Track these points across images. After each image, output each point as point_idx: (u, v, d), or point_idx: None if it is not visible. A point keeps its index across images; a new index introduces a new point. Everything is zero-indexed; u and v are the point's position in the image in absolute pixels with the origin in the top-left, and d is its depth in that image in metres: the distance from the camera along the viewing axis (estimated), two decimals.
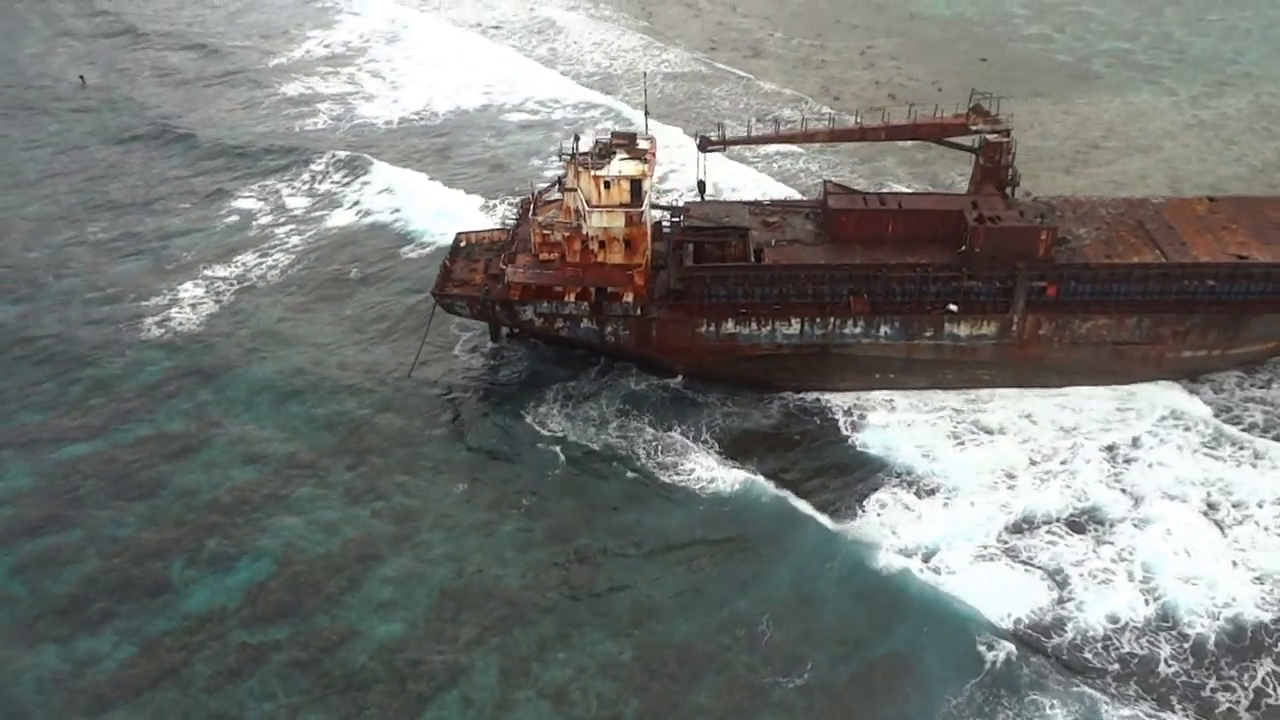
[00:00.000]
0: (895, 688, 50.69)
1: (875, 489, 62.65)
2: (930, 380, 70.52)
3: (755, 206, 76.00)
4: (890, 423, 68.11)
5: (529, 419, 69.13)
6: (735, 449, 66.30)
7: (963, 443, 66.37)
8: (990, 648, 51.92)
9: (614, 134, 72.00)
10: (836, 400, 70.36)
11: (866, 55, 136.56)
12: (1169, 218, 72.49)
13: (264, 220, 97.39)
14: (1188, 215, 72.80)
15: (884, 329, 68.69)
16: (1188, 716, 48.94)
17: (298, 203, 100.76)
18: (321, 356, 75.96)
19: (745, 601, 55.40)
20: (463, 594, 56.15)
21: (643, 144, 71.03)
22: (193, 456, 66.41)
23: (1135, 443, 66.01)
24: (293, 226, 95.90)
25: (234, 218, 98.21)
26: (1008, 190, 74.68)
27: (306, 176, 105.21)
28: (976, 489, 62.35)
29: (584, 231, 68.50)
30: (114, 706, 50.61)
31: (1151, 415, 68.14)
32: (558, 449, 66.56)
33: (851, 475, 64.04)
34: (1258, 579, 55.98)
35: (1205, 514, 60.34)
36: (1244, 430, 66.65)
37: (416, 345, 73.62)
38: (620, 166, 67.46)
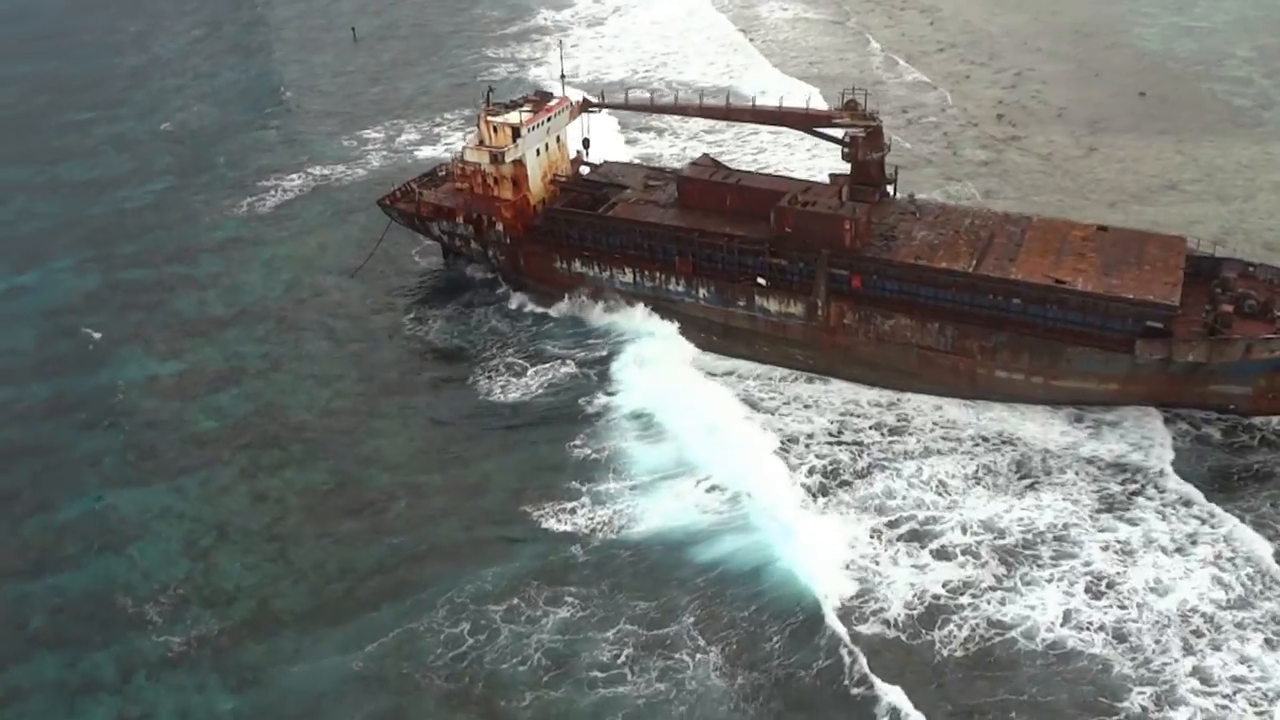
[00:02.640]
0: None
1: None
2: (749, 350, 74.98)
3: (654, 172, 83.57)
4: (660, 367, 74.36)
5: (410, 315, 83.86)
6: (537, 357, 77.29)
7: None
8: None
9: (536, 91, 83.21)
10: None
11: (1022, 76, 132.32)
12: (1029, 236, 70.48)
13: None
14: (1051, 236, 70.33)
15: (702, 291, 74.42)
16: None
17: None
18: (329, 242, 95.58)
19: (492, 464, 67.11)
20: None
21: (553, 102, 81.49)
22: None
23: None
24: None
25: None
26: (890, 187, 76.11)
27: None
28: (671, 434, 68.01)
29: (480, 168, 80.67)
30: None
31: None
32: (420, 339, 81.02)
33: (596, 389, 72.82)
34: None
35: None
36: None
37: (370, 249, 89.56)
38: (509, 116, 78.83)
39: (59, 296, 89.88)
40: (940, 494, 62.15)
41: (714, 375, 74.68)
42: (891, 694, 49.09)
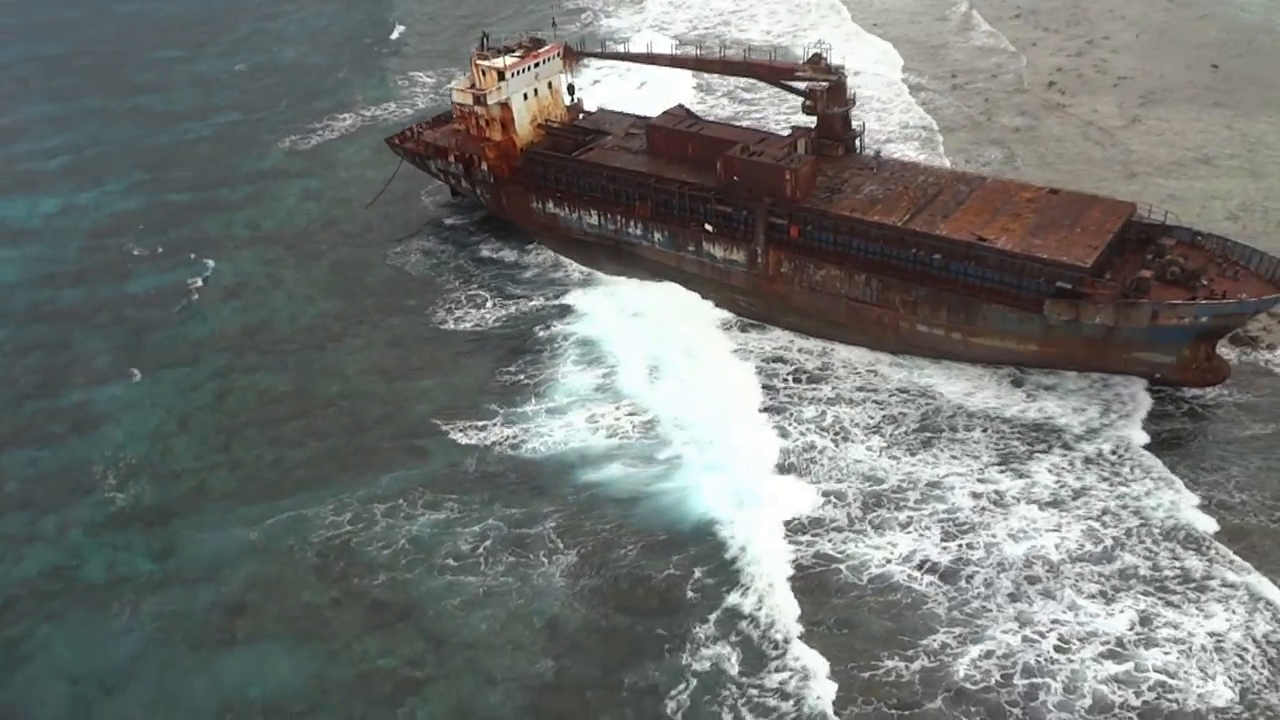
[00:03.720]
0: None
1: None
2: (700, 293, 78.74)
3: (639, 121, 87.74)
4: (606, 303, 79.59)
5: (399, 247, 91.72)
6: (501, 291, 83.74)
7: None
8: None
9: (530, 38, 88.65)
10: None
11: (1093, 43, 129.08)
12: (975, 195, 71.71)
13: None
14: (996, 197, 71.31)
15: (658, 235, 78.75)
16: None
17: None
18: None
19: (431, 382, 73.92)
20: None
21: (543, 49, 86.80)
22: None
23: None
24: None
25: None
26: (857, 141, 78.33)
27: None
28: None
29: (473, 110, 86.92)
30: None
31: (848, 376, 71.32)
32: (399, 269, 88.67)
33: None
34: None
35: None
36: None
37: (383, 183, 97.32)
38: (497, 60, 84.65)
39: (108, 215, 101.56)
40: (834, 440, 65.05)
41: (665, 316, 79.10)
42: (722, 606, 53.44)
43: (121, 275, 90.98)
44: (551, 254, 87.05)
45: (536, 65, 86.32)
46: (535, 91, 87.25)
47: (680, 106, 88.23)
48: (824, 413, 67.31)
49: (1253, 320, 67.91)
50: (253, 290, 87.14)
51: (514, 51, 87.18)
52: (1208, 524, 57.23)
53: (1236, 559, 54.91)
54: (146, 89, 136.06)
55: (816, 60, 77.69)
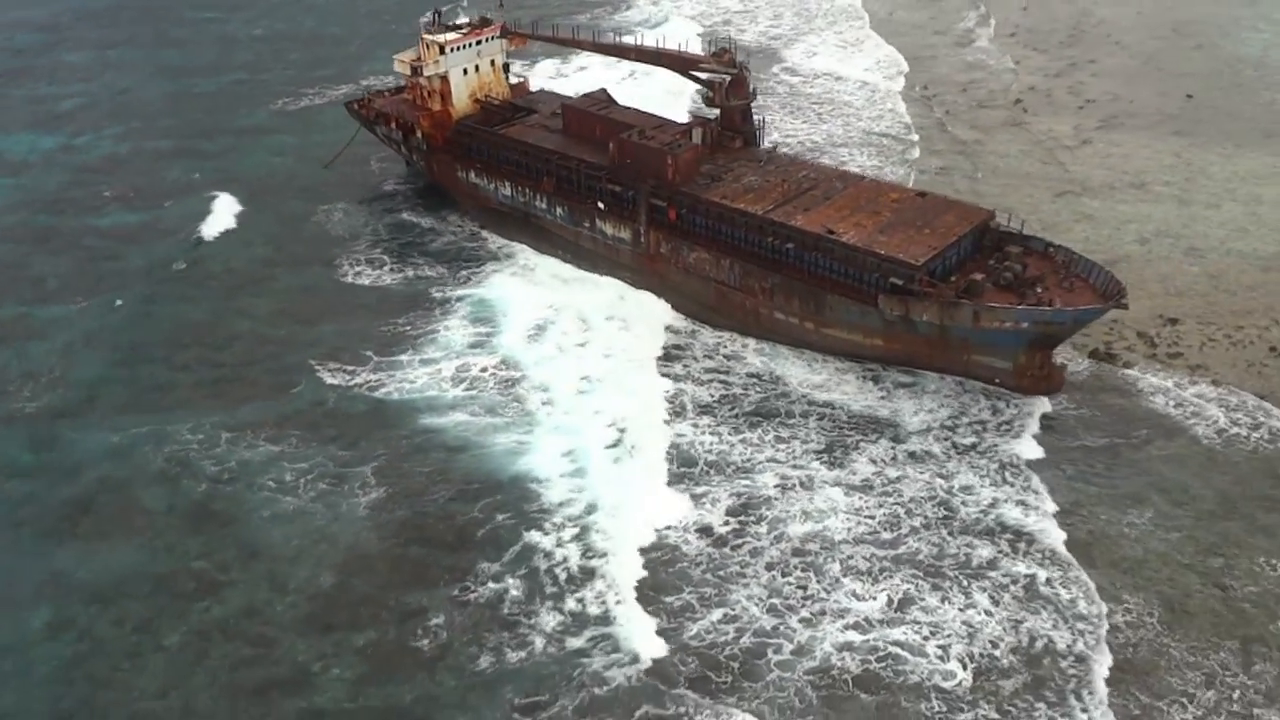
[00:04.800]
0: None
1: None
2: (595, 268, 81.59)
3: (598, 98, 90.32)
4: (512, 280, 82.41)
5: (336, 205, 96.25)
6: (414, 251, 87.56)
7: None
8: None
9: (480, 18, 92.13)
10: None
11: (1076, 65, 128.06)
12: (846, 192, 73.14)
13: None
14: (864, 195, 72.66)
15: (559, 210, 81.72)
16: None
17: None
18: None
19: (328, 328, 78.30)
20: None
21: (488, 29, 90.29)
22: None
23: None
24: None
25: None
26: (758, 135, 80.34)
27: None
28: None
29: (418, 81, 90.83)
30: None
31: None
32: (324, 226, 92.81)
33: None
34: None
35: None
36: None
37: (348, 140, 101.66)
38: (440, 36, 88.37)
39: (98, 155, 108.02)
40: (668, 415, 67.02)
41: (564, 285, 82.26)
42: (509, 551, 56.39)
43: (91, 210, 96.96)
44: (472, 226, 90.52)
45: (478, 43, 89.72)
46: (476, 68, 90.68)
47: (603, 90, 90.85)
48: (655, 386, 69.48)
49: (1079, 331, 68.03)
50: (198, 232, 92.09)
51: (461, 29, 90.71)
52: (1014, 522, 57.99)
53: (1027, 556, 55.64)
54: (172, 44, 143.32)
55: (721, 54, 79.56)
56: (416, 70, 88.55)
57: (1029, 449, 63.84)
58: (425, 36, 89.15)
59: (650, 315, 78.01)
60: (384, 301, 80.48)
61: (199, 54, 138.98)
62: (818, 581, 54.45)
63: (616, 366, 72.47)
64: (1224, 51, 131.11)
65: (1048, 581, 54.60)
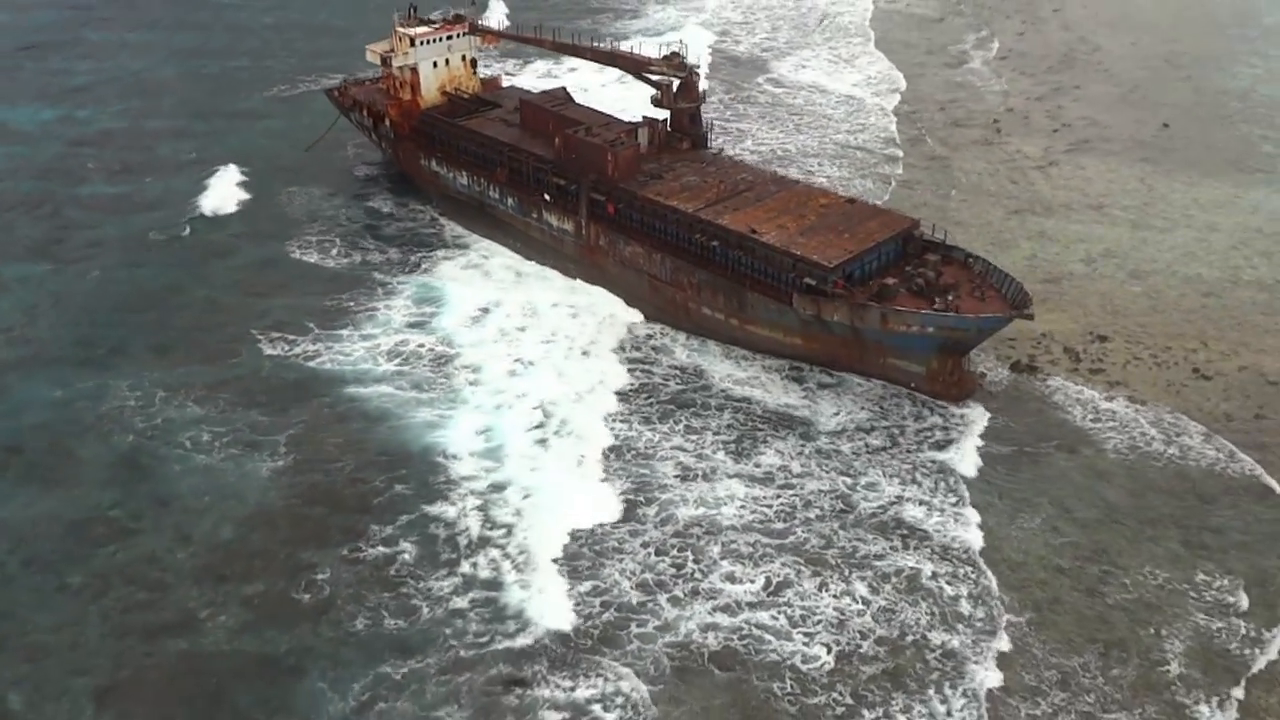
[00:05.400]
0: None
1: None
2: (543, 258, 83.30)
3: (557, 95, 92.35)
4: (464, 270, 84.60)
5: (299, 188, 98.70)
6: (360, 241, 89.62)
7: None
8: None
9: (455, 14, 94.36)
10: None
11: (1060, 90, 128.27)
12: (779, 195, 74.25)
13: None
14: (795, 199, 73.77)
15: (510, 200, 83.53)
16: None
17: None
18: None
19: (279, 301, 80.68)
20: None
21: (458, 25, 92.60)
22: None
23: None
24: None
25: None
26: (706, 137, 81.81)
27: None
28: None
29: (390, 72, 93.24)
30: None
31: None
32: (286, 208, 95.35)
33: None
34: None
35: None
36: None
37: (329, 124, 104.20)
38: (412, 29, 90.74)
39: (94, 129, 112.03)
40: (564, 390, 68.76)
41: (519, 276, 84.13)
42: (404, 517, 58.24)
43: (78, 180, 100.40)
44: (433, 212, 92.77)
45: (449, 38, 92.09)
46: (447, 62, 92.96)
47: (563, 89, 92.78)
48: (571, 370, 71.09)
49: (988, 339, 68.73)
50: (172, 206, 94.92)
51: (434, 23, 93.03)
52: (912, 520, 58.68)
53: (915, 552, 56.41)
54: (190, 28, 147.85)
55: (671, 58, 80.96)
56: (386, 60, 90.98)
57: (940, 454, 64.40)
58: (398, 29, 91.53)
59: (594, 306, 79.36)
60: (335, 280, 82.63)
61: (212, 39, 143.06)
62: (695, 563, 55.49)
63: (552, 352, 73.97)
64: (1211, 83, 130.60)
65: (932, 576, 55.25)
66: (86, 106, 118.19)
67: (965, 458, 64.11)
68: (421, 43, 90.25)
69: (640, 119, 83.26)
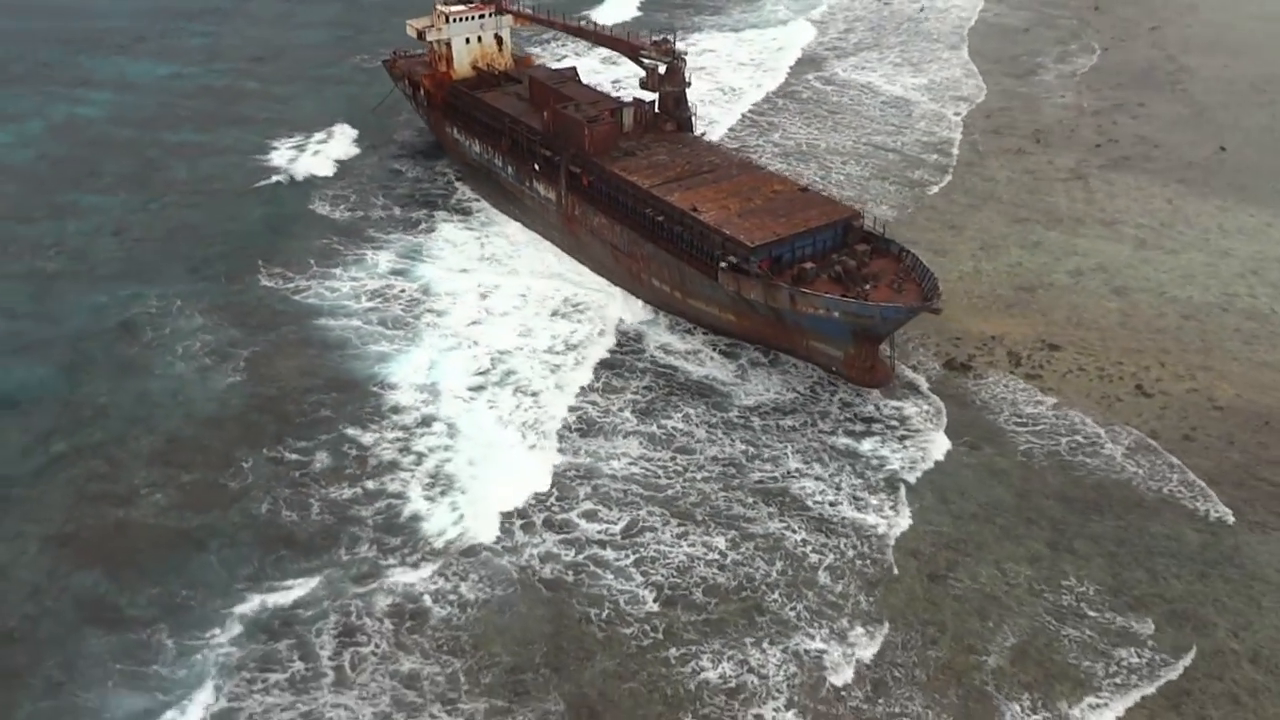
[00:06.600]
0: None
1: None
2: (533, 224, 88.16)
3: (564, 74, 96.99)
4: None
5: (346, 142, 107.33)
6: (384, 193, 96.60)
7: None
8: None
9: None
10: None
11: (1121, 107, 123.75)
12: (736, 178, 76.36)
13: None
14: (750, 182, 75.69)
15: (509, 169, 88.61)
16: None
17: None
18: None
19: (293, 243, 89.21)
20: None
21: (490, 3, 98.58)
22: None
23: None
24: None
25: None
26: (691, 121, 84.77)
27: None
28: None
29: (430, 44, 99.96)
30: None
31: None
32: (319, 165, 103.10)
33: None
34: None
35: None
36: None
37: (387, 92, 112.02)
38: (449, 7, 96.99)
39: (193, 85, 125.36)
40: (517, 344, 73.21)
41: (511, 241, 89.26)
42: (339, 431, 64.46)
43: (166, 127, 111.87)
44: (451, 177, 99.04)
45: (481, 16, 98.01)
46: (480, 39, 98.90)
47: (572, 69, 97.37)
48: (533, 331, 75.15)
49: (897, 328, 68.69)
50: (237, 155, 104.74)
51: (469, 2, 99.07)
52: (799, 493, 60.13)
53: (783, 520, 58.20)
54: (321, 3, 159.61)
55: (660, 43, 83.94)
56: (421, 35, 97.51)
57: (851, 440, 65.29)
58: (438, 7, 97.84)
59: (570, 273, 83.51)
60: (344, 228, 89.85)
61: (326, 11, 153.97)
62: (559, 500, 59.12)
63: (520, 309, 78.54)
64: None
65: (801, 544, 56.58)
66: (197, 65, 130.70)
67: (874, 441, 65.10)
68: (455, 20, 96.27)
69: (630, 100, 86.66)
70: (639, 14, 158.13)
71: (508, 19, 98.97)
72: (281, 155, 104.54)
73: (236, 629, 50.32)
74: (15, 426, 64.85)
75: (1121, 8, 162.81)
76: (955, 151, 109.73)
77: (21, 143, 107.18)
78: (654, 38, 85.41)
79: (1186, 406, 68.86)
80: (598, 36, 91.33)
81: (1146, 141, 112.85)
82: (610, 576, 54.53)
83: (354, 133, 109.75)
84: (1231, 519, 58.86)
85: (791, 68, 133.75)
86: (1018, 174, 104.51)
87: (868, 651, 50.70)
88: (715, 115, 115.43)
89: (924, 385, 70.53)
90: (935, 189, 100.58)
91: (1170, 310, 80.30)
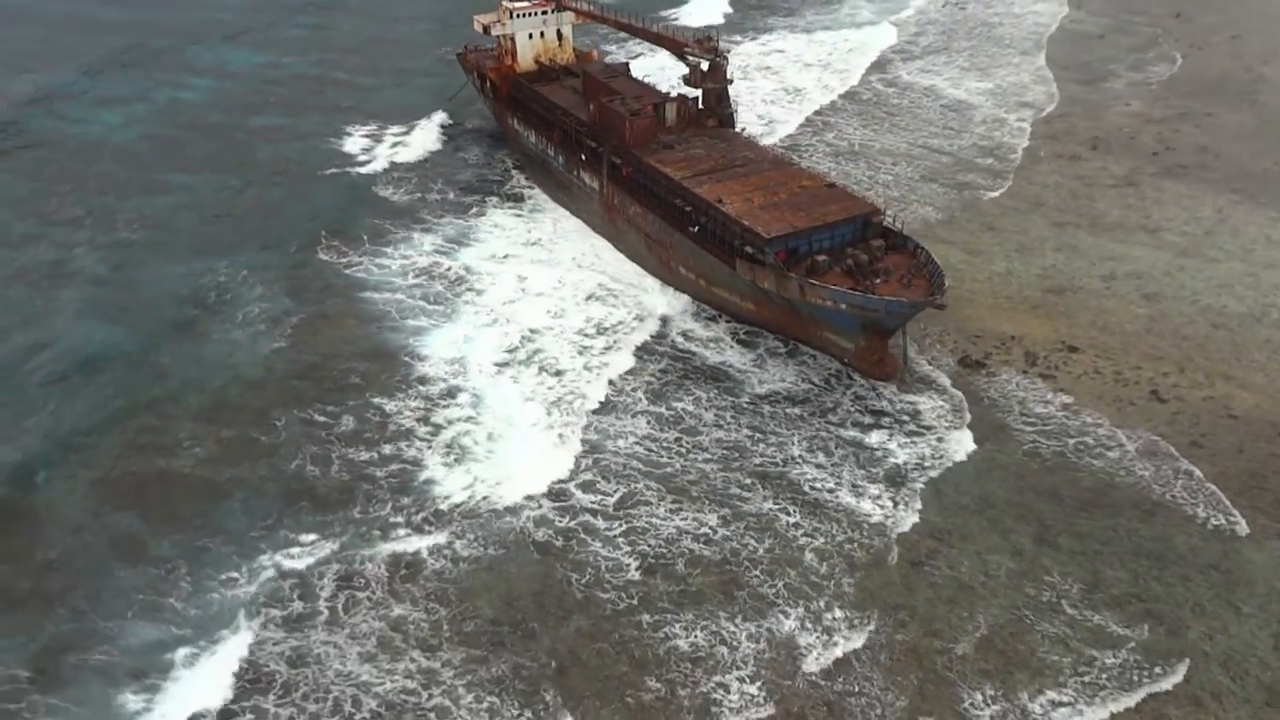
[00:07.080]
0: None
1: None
2: (582, 214, 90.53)
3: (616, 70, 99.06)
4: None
5: (418, 129, 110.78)
6: (443, 180, 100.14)
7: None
8: None
9: None
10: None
11: (1186, 116, 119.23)
12: (766, 173, 77.14)
13: None
14: (778, 177, 76.29)
15: (560, 159, 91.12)
16: None
17: None
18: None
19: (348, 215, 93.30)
20: None
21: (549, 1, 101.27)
22: None
23: None
24: None
25: None
26: (733, 117, 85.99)
27: None
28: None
29: (498, 38, 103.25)
30: None
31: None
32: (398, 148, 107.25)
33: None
34: None
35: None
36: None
37: (461, 84, 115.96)
38: (513, 4, 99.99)
39: (285, 74, 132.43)
40: (551, 332, 75.28)
41: (556, 225, 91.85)
42: (368, 400, 67.88)
43: (255, 111, 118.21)
44: (512, 164, 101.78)
45: (543, 13, 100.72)
46: (542, 35, 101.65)
47: (625, 64, 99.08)
48: (568, 311, 77.30)
49: (904, 322, 68.19)
50: (316, 139, 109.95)
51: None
52: (797, 478, 60.67)
53: (778, 502, 59.02)
54: None
55: (704, 41, 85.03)
56: (486, 29, 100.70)
57: (860, 432, 65.30)
58: (503, 3, 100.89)
59: (609, 261, 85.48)
60: (401, 209, 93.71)
61: (423, 6, 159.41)
62: (561, 471, 61.14)
63: (557, 291, 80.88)
64: None
65: (794, 525, 57.29)
66: (293, 55, 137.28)
67: (877, 435, 65.35)
68: (518, 15, 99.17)
69: (674, 95, 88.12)
70: (730, 11, 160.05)
71: (568, 15, 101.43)
72: (357, 142, 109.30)
73: (248, 572, 53.93)
74: (90, 383, 69.93)
75: (1203, 16, 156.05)
76: (1014, 157, 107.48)
77: (126, 124, 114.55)
78: (702, 36, 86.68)
79: (1200, 414, 66.96)
80: (646, 33, 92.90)
81: (1207, 151, 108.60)
82: (598, 544, 56.27)
83: (428, 122, 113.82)
84: (1225, 525, 57.46)
85: (866, 70, 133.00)
86: (1068, 179, 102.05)
87: (838, 632, 51.27)
88: (777, 115, 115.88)
89: (944, 381, 69.92)
90: (986, 193, 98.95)
91: (1201, 319, 77.81)
